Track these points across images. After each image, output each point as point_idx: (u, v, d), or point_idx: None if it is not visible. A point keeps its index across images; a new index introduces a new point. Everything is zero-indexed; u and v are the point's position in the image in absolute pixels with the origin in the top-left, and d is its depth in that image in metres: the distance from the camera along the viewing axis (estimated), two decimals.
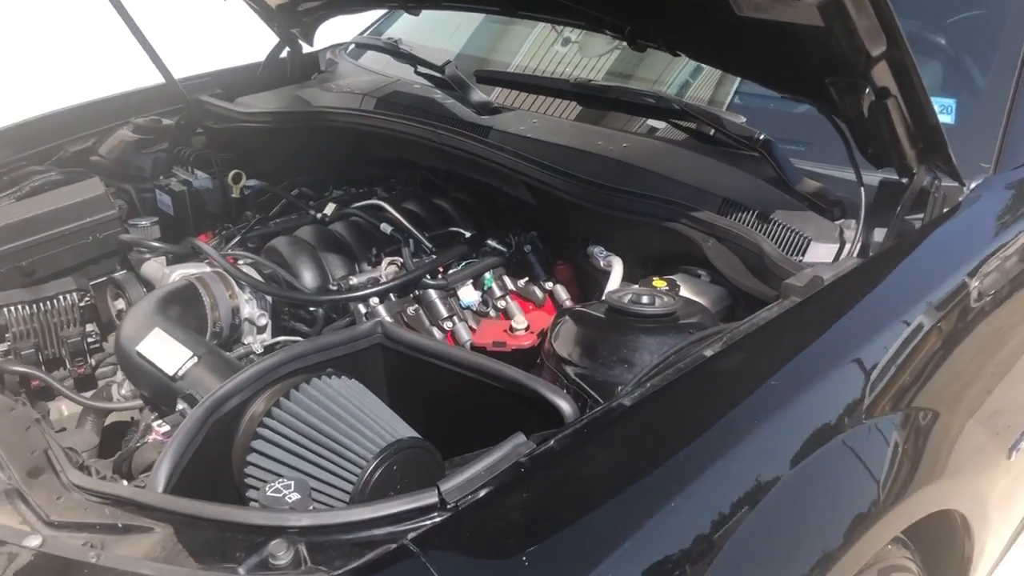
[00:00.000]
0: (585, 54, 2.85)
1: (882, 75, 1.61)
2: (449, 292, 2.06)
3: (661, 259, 2.15)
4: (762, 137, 1.96)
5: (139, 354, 1.72)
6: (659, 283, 1.95)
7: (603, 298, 1.67)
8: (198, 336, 1.84)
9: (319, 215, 2.35)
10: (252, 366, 1.48)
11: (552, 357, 1.62)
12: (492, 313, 2.11)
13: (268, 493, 1.27)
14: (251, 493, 1.44)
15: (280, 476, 1.39)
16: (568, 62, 2.84)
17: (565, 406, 1.38)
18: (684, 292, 1.95)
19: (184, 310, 1.91)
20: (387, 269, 2.05)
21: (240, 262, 2.11)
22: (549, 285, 2.22)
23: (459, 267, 2.12)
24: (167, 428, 1.55)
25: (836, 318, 1.50)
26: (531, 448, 1.26)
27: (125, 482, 1.55)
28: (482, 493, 1.18)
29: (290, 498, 1.27)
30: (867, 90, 1.63)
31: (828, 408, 1.35)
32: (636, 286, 1.95)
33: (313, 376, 1.51)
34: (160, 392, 1.72)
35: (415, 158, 2.60)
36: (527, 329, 1.73)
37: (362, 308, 1.96)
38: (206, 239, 2.36)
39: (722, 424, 1.26)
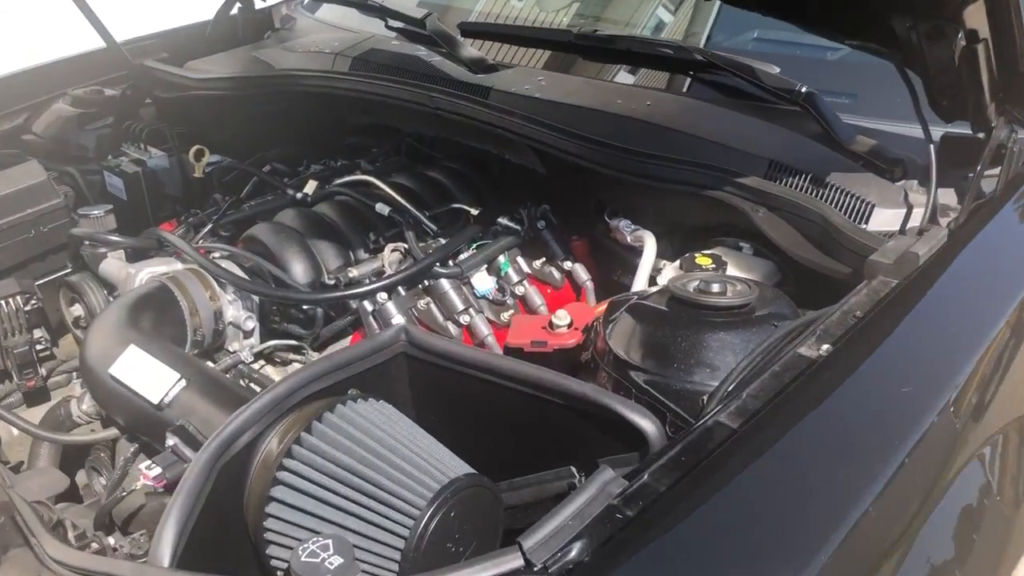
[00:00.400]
0: (543, 8, 2.59)
1: (975, 16, 1.40)
2: (463, 280, 1.81)
3: (692, 231, 1.93)
4: (804, 90, 1.74)
5: (113, 377, 1.44)
6: (703, 260, 1.73)
7: (665, 286, 1.44)
8: (181, 351, 1.56)
9: (299, 195, 2.06)
10: (262, 395, 1.22)
11: (610, 359, 1.38)
12: (509, 301, 1.87)
13: (303, 558, 1.02)
14: (273, 551, 1.19)
15: (311, 532, 1.14)
16: (525, 17, 2.59)
17: (650, 427, 1.16)
18: (732, 269, 1.73)
19: (158, 318, 1.62)
20: (390, 257, 1.78)
21: (215, 255, 1.82)
22: (568, 265, 1.98)
23: (469, 251, 1.86)
24: (158, 471, 1.28)
25: (947, 306, 1.30)
26: (623, 487, 1.03)
27: (112, 540, 1.28)
28: (574, 550, 0.95)
29: (331, 563, 1.02)
30: (959, 34, 1.41)
31: (961, 419, 1.14)
32: (679, 267, 1.75)
33: (337, 402, 1.25)
34: (141, 422, 1.45)
35: (400, 124, 2.32)
36: (570, 326, 1.50)
37: (368, 305, 1.69)
38: (170, 228, 2.06)
39: (862, 448, 1.04)
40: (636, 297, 1.44)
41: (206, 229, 1.96)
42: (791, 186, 1.69)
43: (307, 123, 2.44)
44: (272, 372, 1.79)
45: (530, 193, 2.08)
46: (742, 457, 1.07)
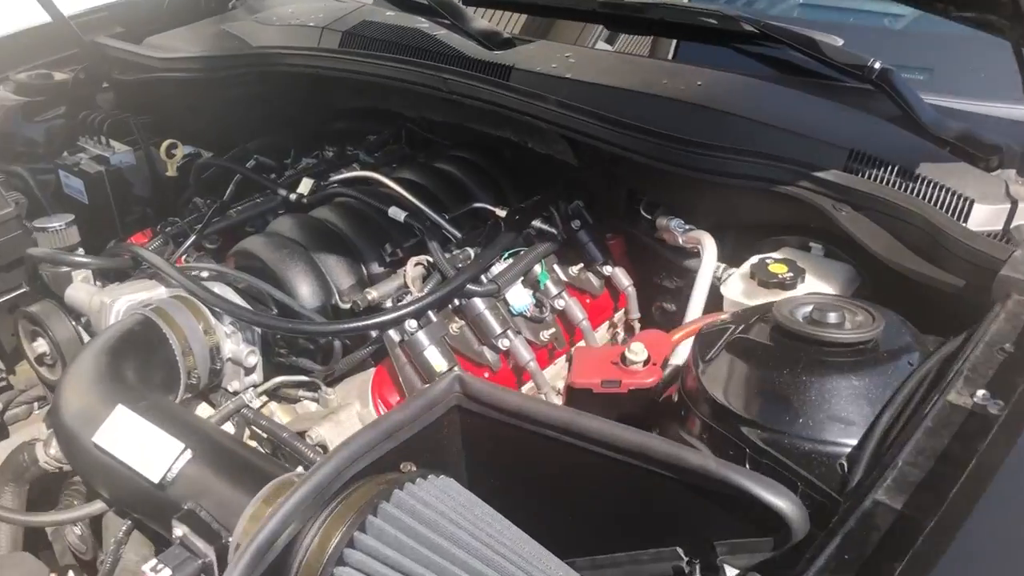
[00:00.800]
0: None
1: None
2: (497, 298, 1.56)
3: (747, 229, 1.69)
4: (878, 66, 1.51)
5: (99, 447, 1.17)
6: (778, 268, 1.51)
7: (766, 312, 1.20)
8: (178, 408, 1.30)
9: (292, 196, 1.78)
10: (301, 485, 0.96)
11: (706, 406, 1.15)
12: (548, 317, 1.62)
13: None
14: None
15: None
16: None
17: (791, 509, 0.93)
18: (811, 277, 1.51)
19: (144, 361, 1.35)
20: (413, 272, 1.52)
21: (203, 275, 1.55)
22: (607, 269, 1.74)
23: (502, 261, 1.61)
24: (167, 573, 1.03)
25: None
26: None
27: None
28: None
29: None
30: None
31: None
32: (750, 276, 1.52)
33: (393, 485, 1.00)
34: (138, 502, 1.19)
35: (400, 108, 2.04)
36: (647, 362, 1.26)
37: (394, 335, 1.44)
38: (143, 240, 1.77)
39: None
40: (733, 327, 1.21)
41: (188, 242, 1.67)
42: (876, 179, 1.46)
43: (292, 108, 2.15)
44: (278, 411, 1.54)
45: (550, 184, 1.83)
46: (925, 555, 0.85)
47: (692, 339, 1.40)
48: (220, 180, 1.90)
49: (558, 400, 1.65)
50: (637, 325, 1.80)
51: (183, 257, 1.65)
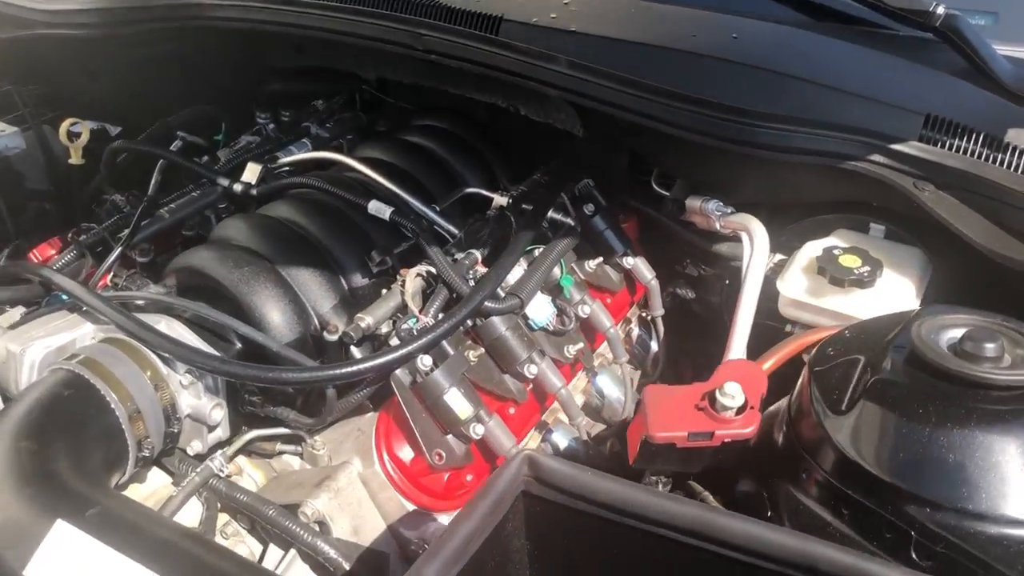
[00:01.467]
0: None
1: None
2: (517, 313, 1.26)
3: (787, 208, 1.45)
4: (942, 10, 1.27)
5: None
6: (851, 260, 1.27)
7: (894, 337, 0.95)
8: (142, 513, 0.97)
9: (237, 186, 1.44)
10: None
11: (846, 471, 0.90)
12: (572, 328, 1.34)
13: None
14: None
15: None
16: None
17: None
18: (888, 269, 1.27)
19: (79, 440, 1.01)
20: (413, 286, 1.21)
21: (138, 303, 1.21)
22: (628, 260, 1.47)
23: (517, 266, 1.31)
24: None
25: None
26: None
27: None
28: None
29: None
30: None
31: None
32: (817, 272, 1.27)
33: None
34: None
35: (358, 69, 1.69)
36: (744, 407, 1.00)
37: (404, 376, 1.13)
38: (50, 252, 1.40)
39: None
40: (863, 363, 0.95)
41: (113, 255, 1.31)
42: (959, 151, 1.23)
43: (220, 72, 1.77)
44: (249, 466, 1.23)
45: (542, 158, 1.55)
46: None
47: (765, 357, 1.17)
48: (138, 166, 1.53)
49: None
50: (660, 323, 1.55)
51: (109, 276, 1.30)
